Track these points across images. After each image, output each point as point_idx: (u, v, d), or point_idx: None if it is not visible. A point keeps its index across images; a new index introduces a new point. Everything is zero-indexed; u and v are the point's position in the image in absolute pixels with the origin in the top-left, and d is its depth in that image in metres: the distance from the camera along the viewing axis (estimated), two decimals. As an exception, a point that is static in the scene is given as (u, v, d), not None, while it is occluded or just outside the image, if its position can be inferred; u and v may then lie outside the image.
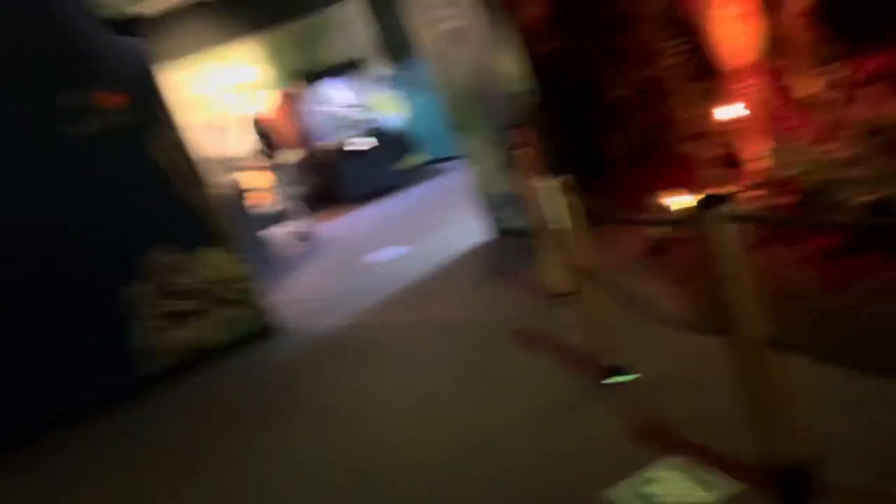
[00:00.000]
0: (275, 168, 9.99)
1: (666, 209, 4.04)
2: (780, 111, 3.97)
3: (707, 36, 4.15)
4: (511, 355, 3.86)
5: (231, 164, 9.00)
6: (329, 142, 11.74)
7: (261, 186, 9.25)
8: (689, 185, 4.26)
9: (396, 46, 11.59)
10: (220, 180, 7.78)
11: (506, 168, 5.71)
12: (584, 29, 5.56)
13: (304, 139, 11.97)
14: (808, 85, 4.71)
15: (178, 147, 5.41)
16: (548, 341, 3.84)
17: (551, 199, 3.22)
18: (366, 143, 11.37)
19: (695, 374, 2.96)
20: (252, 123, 11.48)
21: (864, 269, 2.81)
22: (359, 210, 10.73)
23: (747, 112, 4.10)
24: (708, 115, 4.47)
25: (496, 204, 6.25)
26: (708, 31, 4.12)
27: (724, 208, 1.93)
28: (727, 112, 4.49)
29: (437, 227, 7.59)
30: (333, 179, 11.52)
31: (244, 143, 11.20)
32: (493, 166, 6.07)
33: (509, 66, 5.49)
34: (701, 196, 2.03)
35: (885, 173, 2.85)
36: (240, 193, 8.46)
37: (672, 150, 4.64)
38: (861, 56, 4.62)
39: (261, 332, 5.65)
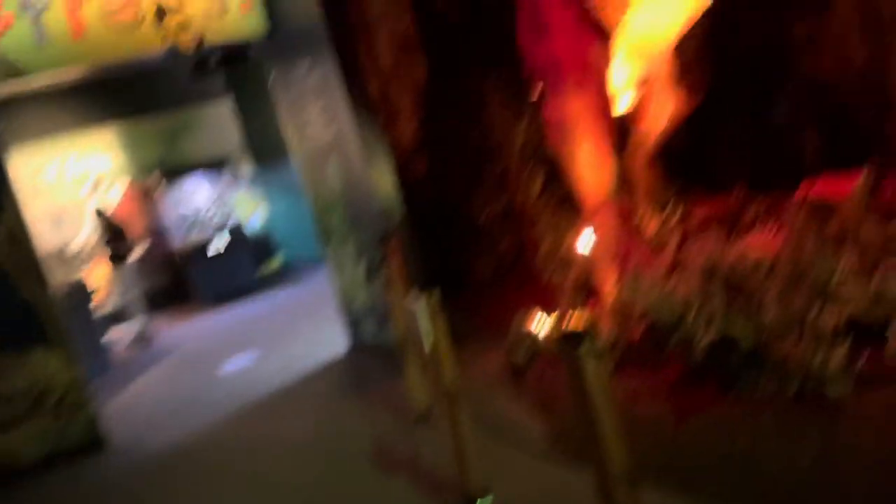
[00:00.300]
0: (122, 264, 9.42)
1: (529, 332, 4.15)
2: (629, 246, 4.26)
3: (566, 170, 4.44)
4: (367, 480, 3.69)
5: (74, 259, 8.39)
6: (185, 240, 11.29)
7: (105, 283, 8.65)
8: (550, 309, 4.42)
9: (263, 147, 11.57)
10: (60, 275, 7.20)
11: (371, 280, 5.70)
12: (453, 152, 5.82)
13: (158, 235, 11.45)
14: (652, 223, 5.14)
15: (15, 237, 4.98)
16: (407, 464, 3.72)
17: (417, 315, 3.22)
18: (224, 242, 11.02)
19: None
20: (100, 216, 10.86)
21: (708, 402, 2.98)
22: (213, 313, 10.21)
23: (600, 244, 4.37)
24: (567, 243, 4.72)
25: (359, 316, 6.18)
26: (566, 166, 4.42)
27: (586, 344, 1.99)
28: (583, 242, 4.78)
29: (295, 335, 7.34)
30: (187, 279, 11.00)
31: (90, 236, 10.53)
32: (358, 277, 6.04)
33: (380, 179, 5.58)
34: (563, 328, 2.10)
35: (724, 314, 3.11)
36: (81, 290, 7.85)
37: (533, 274, 4.83)
38: (698, 199, 5.14)
39: (88, 445, 5.11)
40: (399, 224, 5.40)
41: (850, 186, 4.54)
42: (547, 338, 3.86)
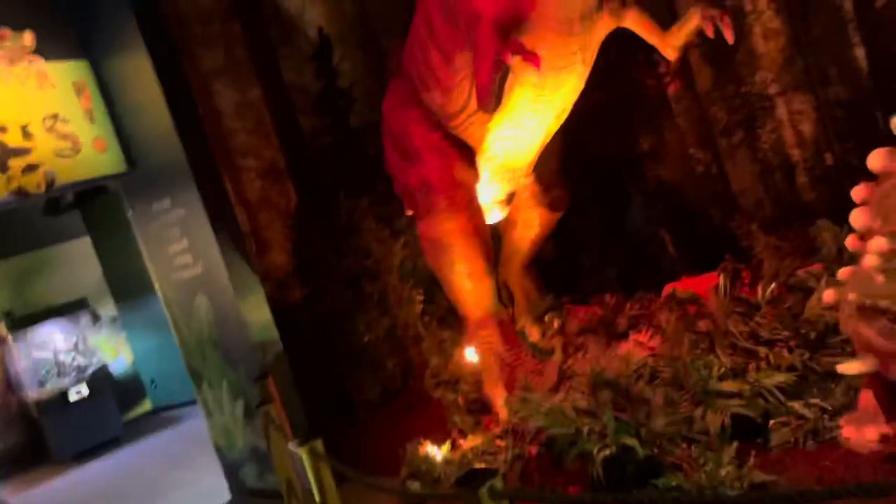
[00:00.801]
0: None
1: (420, 461, 3.96)
2: (515, 360, 4.24)
3: (445, 287, 4.42)
4: None
5: None
6: (40, 389, 10.26)
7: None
8: (441, 433, 4.27)
9: (126, 285, 10.94)
10: None
11: (250, 422, 5.33)
12: (330, 276, 5.70)
13: (7, 388, 10.35)
14: (533, 334, 5.18)
15: None
16: None
17: (299, 459, 2.99)
18: (84, 388, 10.10)
19: None
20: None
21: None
22: (74, 471, 9.18)
23: (486, 361, 4.32)
24: (453, 362, 4.65)
25: (239, 461, 5.72)
26: (445, 283, 4.41)
27: (486, 484, 1.88)
28: (469, 359, 4.72)
29: (170, 487, 6.69)
30: (43, 434, 9.91)
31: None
32: (236, 419, 5.64)
33: (253, 312, 5.35)
34: (460, 464, 1.98)
35: (616, 424, 3.09)
36: None
37: (422, 395, 4.69)
38: (573, 307, 5.26)
39: None
40: (276, 359, 5.14)
41: (708, 285, 4.81)
42: (442, 475, 3.68)
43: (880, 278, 2.51)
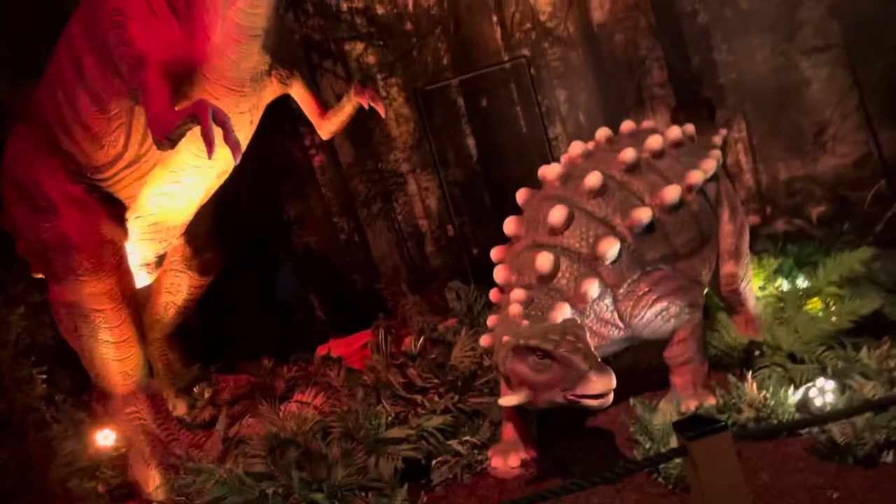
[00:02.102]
0: None
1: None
2: (169, 436, 3.89)
3: (85, 361, 3.90)
4: None
5: None
6: None
7: None
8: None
9: None
10: None
11: None
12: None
13: None
14: (181, 408, 4.82)
15: None
16: None
17: None
18: None
19: None
20: None
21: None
22: None
23: (137, 438, 3.89)
24: (92, 445, 4.07)
25: None
26: (85, 357, 3.88)
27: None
28: (106, 441, 4.19)
29: None
30: None
31: None
32: None
33: None
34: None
35: (299, 484, 3.04)
36: None
37: (48, 491, 3.98)
38: (225, 374, 5.06)
39: None
40: None
41: (357, 344, 5.08)
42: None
43: (525, 322, 2.98)
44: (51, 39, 3.87)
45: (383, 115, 3.99)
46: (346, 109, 3.95)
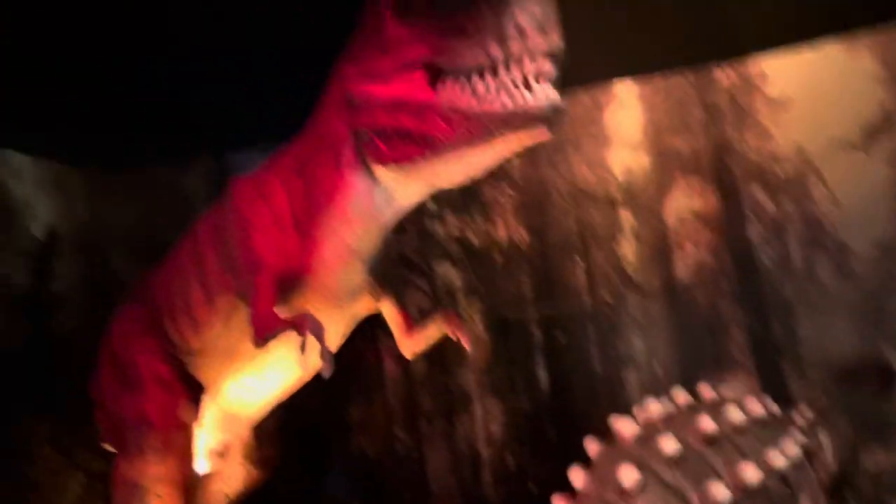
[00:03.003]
0: None
1: None
2: None
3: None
4: None
5: None
6: None
7: None
8: None
9: None
10: None
11: None
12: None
13: None
14: None
15: None
16: None
17: None
18: None
19: None
20: None
21: None
22: None
23: None
24: None
25: None
26: None
27: None
28: None
29: None
30: None
31: None
32: None
33: None
34: None
35: None
36: None
37: None
38: None
39: None
40: None
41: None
42: None
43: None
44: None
45: (468, 349, 4.08)
46: (433, 333, 4.07)
